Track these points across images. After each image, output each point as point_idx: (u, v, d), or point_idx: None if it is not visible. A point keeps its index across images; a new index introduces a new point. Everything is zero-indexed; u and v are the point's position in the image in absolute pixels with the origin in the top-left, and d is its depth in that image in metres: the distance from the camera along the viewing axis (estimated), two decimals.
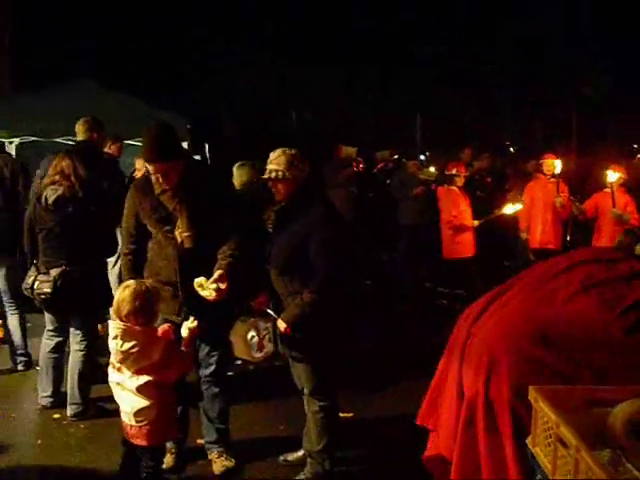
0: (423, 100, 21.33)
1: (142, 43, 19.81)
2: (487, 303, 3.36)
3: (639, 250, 3.62)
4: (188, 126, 9.72)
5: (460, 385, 3.25)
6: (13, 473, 4.40)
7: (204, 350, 4.35)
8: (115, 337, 3.48)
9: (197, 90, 20.48)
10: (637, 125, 17.62)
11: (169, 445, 4.31)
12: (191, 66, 20.96)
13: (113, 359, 3.57)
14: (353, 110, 22.02)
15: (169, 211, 4.15)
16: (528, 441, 2.75)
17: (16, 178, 6.07)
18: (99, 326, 5.76)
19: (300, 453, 4.49)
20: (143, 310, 3.53)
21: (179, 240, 4.12)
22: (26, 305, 6.01)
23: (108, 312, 5.76)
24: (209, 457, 4.48)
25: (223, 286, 3.96)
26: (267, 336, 4.11)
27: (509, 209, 8.96)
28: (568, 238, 8.69)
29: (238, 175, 6.28)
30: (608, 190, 7.88)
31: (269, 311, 4.14)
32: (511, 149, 19.54)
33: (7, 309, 6.17)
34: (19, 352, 6.19)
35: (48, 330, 5.38)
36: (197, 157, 8.92)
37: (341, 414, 4.61)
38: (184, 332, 3.67)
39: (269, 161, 4.17)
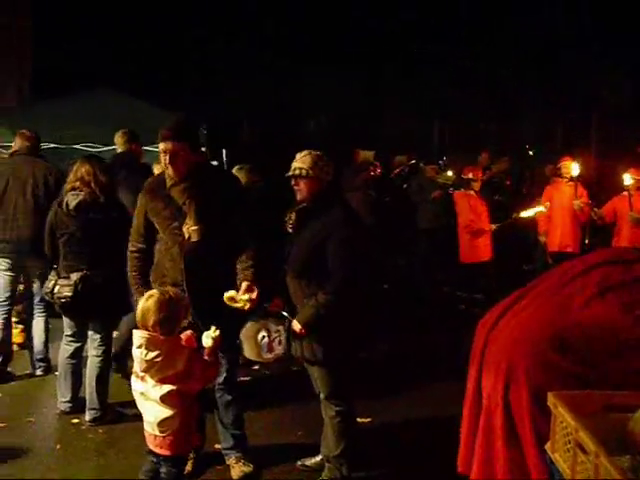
0: (441, 103, 21.29)
1: (166, 50, 20.00)
2: (504, 309, 3.34)
3: None
4: (205, 131, 9.75)
5: (478, 394, 3.23)
6: (33, 478, 4.42)
7: None
8: (140, 346, 3.44)
9: (215, 96, 20.56)
10: None
11: None
12: (217, 72, 21.08)
13: (136, 368, 3.53)
14: (372, 114, 22.02)
15: (179, 206, 4.17)
16: (547, 447, 2.73)
17: (59, 185, 6.14)
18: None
19: (318, 458, 4.49)
20: (168, 320, 3.50)
21: (186, 235, 4.13)
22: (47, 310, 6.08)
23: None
24: (227, 462, 4.48)
25: (254, 295, 4.05)
26: (277, 339, 4.09)
27: (527, 212, 8.91)
28: (587, 241, 8.64)
29: None
30: (626, 194, 7.85)
31: (284, 313, 4.14)
32: (530, 152, 19.45)
33: (35, 312, 6.22)
34: (39, 357, 6.23)
35: (66, 335, 5.40)
36: (215, 162, 8.93)
37: (358, 419, 4.59)
38: (207, 342, 3.62)
39: (295, 160, 4.22)
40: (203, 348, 3.66)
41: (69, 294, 5.08)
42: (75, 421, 5.26)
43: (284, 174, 4.30)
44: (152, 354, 3.41)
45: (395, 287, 9.94)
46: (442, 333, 7.65)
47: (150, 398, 3.50)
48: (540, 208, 8.82)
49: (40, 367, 6.23)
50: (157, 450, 3.59)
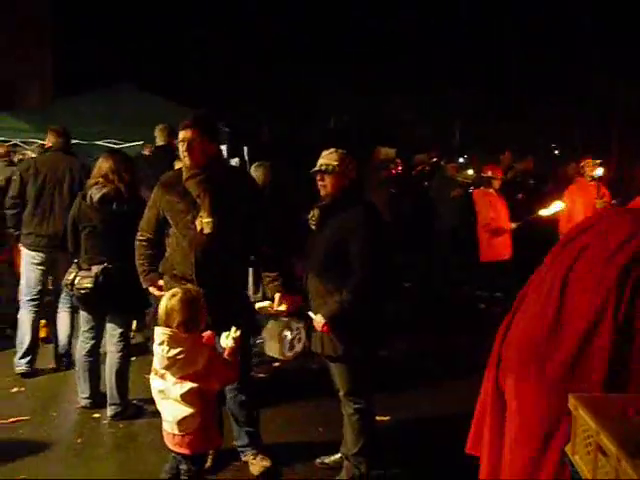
0: (463, 104, 21.22)
1: (187, 48, 20.08)
2: (515, 308, 3.32)
3: None
4: (226, 129, 9.79)
5: (493, 396, 3.20)
6: (54, 471, 4.47)
7: None
8: (161, 343, 3.42)
9: (237, 95, 20.63)
10: None
11: None
12: (238, 70, 21.15)
13: (156, 365, 3.52)
14: (393, 113, 21.98)
15: (193, 200, 4.19)
16: (567, 449, 2.71)
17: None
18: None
19: (337, 456, 4.49)
20: (193, 319, 3.50)
21: (199, 227, 4.15)
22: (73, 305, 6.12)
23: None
24: (244, 459, 4.50)
25: (289, 303, 4.19)
26: (297, 336, 4.12)
27: (545, 211, 8.84)
28: None
29: (255, 176, 6.38)
30: None
31: (310, 313, 4.15)
32: (556, 152, 19.36)
33: (61, 305, 6.29)
34: (63, 352, 6.31)
35: (84, 331, 5.41)
36: (236, 159, 8.95)
37: (377, 417, 4.59)
38: (229, 342, 3.62)
39: (321, 157, 4.26)
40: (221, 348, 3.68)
41: (89, 285, 5.12)
42: (96, 415, 5.31)
43: (301, 173, 4.33)
44: (174, 351, 3.40)
45: (415, 285, 9.93)
46: (461, 332, 7.62)
47: (170, 396, 3.49)
48: (559, 207, 8.74)
49: (63, 362, 6.31)
50: (176, 449, 3.60)
